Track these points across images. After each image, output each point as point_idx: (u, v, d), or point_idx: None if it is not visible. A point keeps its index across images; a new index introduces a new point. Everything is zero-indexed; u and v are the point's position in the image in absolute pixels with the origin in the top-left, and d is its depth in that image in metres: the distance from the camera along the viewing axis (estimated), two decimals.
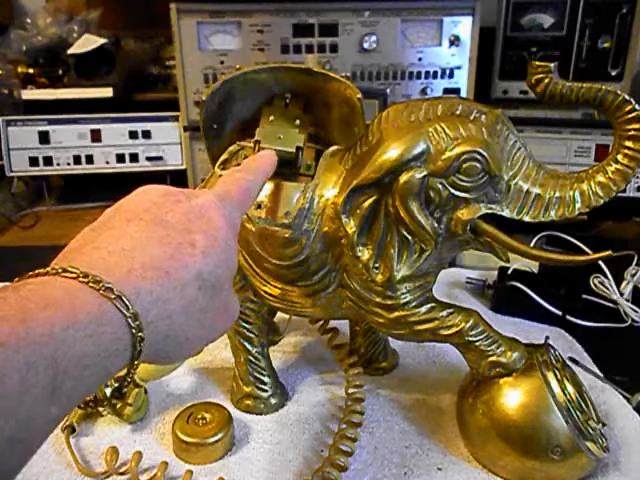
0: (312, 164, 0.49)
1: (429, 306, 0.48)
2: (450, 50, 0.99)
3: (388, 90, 0.99)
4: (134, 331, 0.26)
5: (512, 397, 0.47)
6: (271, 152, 0.43)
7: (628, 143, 0.42)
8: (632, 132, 0.42)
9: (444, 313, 0.48)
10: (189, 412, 0.52)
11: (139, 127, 1.04)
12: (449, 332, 0.47)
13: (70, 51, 1.04)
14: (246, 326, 0.54)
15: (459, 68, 1.00)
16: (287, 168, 0.49)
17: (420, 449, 0.51)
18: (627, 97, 0.41)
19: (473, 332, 0.47)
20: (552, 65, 0.42)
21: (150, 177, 1.05)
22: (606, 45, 1.00)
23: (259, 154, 0.42)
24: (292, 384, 0.59)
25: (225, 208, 0.33)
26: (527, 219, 0.44)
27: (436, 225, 0.44)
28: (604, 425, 0.48)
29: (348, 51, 0.98)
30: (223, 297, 0.32)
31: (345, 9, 0.96)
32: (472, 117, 0.43)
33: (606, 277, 0.72)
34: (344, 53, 0.98)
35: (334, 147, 0.49)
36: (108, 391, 0.52)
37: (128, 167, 1.05)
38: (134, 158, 1.05)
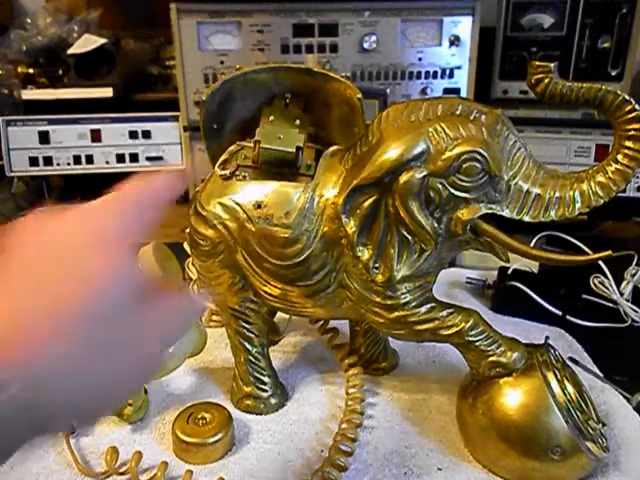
0: (312, 164, 0.49)
1: (429, 306, 0.48)
2: (450, 50, 0.99)
3: (388, 90, 0.99)
4: None
5: (512, 397, 0.47)
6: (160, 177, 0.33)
7: (628, 143, 0.42)
8: (632, 132, 0.42)
9: (444, 313, 0.48)
10: (189, 412, 0.52)
11: (139, 127, 1.04)
12: (449, 332, 0.47)
13: (70, 51, 1.04)
14: (246, 326, 0.54)
15: (459, 68, 1.00)
16: (287, 168, 0.49)
17: (420, 449, 0.51)
18: (627, 97, 0.41)
19: (473, 332, 0.47)
20: (552, 65, 0.42)
21: None
22: (606, 45, 1.00)
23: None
24: (292, 384, 0.59)
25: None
26: (527, 219, 0.44)
27: (436, 225, 0.44)
28: (604, 425, 0.48)
29: (348, 51, 0.98)
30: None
31: (345, 9, 0.96)
32: (472, 117, 0.43)
33: (606, 277, 0.72)
34: (344, 53, 0.98)
35: (334, 147, 0.49)
36: None
37: (128, 167, 1.05)
38: (134, 158, 1.05)
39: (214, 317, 0.70)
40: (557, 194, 0.43)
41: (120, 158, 1.04)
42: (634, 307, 0.70)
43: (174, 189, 0.32)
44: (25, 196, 1.08)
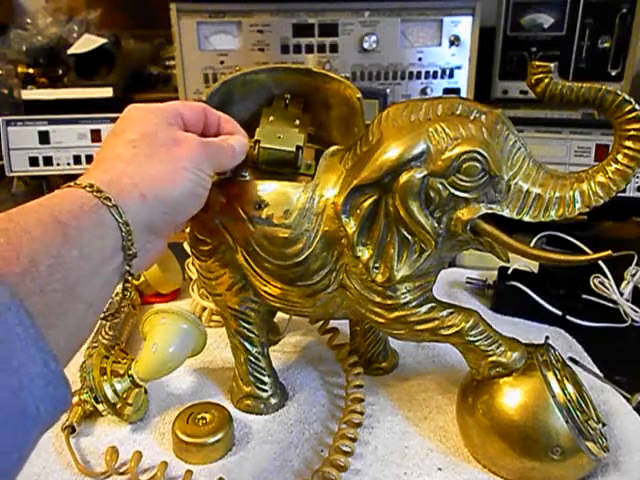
0: (312, 164, 0.49)
1: (429, 306, 0.48)
2: (450, 50, 0.99)
3: (388, 90, 0.99)
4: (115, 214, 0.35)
5: (512, 397, 0.47)
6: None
7: (628, 143, 0.42)
8: (632, 132, 0.42)
9: (444, 313, 0.48)
10: (189, 412, 0.52)
11: None
12: (449, 332, 0.47)
13: (70, 51, 1.04)
14: (246, 326, 0.54)
15: (459, 68, 1.00)
16: (287, 168, 0.49)
17: (420, 449, 0.51)
18: (627, 97, 0.41)
19: (473, 332, 0.47)
20: (552, 65, 0.42)
21: None
22: (606, 45, 1.01)
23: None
24: (292, 384, 0.59)
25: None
26: (527, 219, 0.44)
27: (436, 225, 0.44)
28: (604, 425, 0.48)
29: (348, 51, 0.98)
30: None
31: (345, 9, 0.96)
32: (472, 117, 0.43)
33: (606, 277, 0.72)
34: (344, 53, 0.98)
35: (334, 147, 0.49)
36: (109, 391, 0.52)
37: None
38: None
39: (214, 317, 0.70)
40: (557, 194, 0.43)
41: None
42: (634, 307, 0.70)
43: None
44: (25, 196, 1.08)
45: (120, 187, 0.36)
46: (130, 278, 0.38)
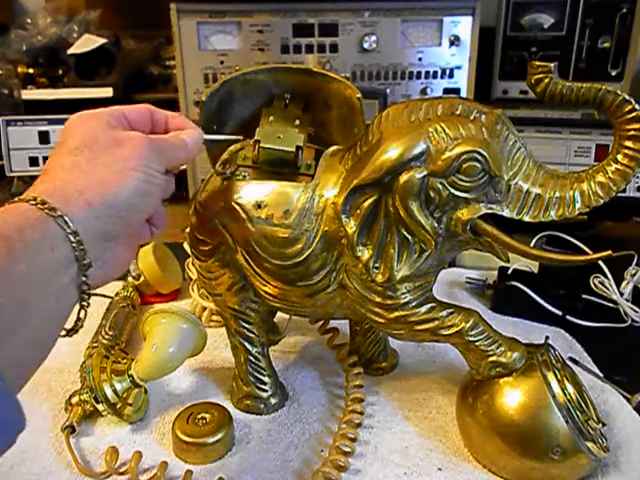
0: (312, 164, 0.49)
1: (429, 306, 0.48)
2: (450, 50, 0.99)
3: (388, 90, 0.99)
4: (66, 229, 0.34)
5: (512, 397, 0.47)
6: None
7: (628, 143, 0.42)
8: (632, 132, 0.42)
9: (444, 313, 0.48)
10: (189, 412, 0.52)
11: None
12: (449, 332, 0.47)
13: (70, 51, 1.04)
14: (246, 326, 0.54)
15: (459, 68, 1.00)
16: (287, 168, 0.49)
17: (420, 449, 0.51)
18: (627, 97, 0.41)
19: (473, 332, 0.47)
20: (552, 65, 0.42)
21: None
22: (606, 45, 1.01)
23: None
24: (292, 384, 0.59)
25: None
26: (527, 219, 0.44)
27: (436, 225, 0.44)
28: (604, 425, 0.48)
29: (348, 51, 0.98)
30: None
31: (345, 9, 0.96)
32: (472, 117, 0.43)
33: (606, 277, 0.72)
34: (344, 53, 0.98)
35: (334, 147, 0.49)
36: (109, 391, 0.52)
37: None
38: None
39: (214, 317, 0.70)
40: (557, 194, 0.43)
41: None
42: (634, 307, 0.70)
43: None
44: None
45: (64, 197, 0.35)
46: (85, 289, 0.36)
